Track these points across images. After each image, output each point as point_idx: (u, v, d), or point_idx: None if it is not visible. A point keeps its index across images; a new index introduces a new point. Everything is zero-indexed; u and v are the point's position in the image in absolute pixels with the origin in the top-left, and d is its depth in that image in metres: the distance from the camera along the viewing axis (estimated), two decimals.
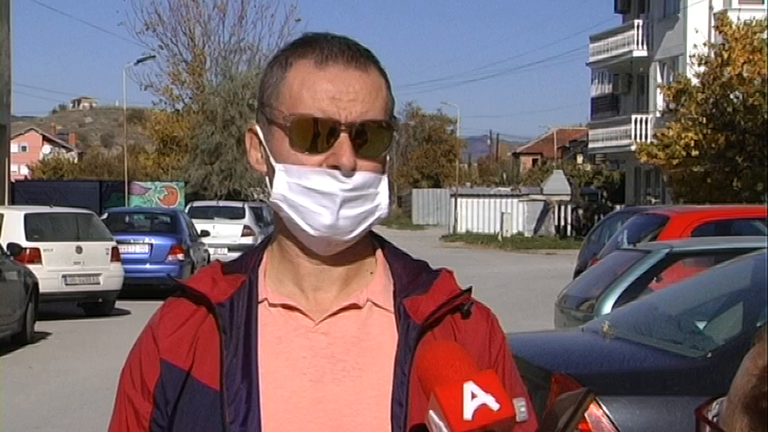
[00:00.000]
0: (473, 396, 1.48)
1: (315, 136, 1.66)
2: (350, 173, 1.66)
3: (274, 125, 1.70)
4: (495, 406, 1.48)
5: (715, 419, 1.40)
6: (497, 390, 1.50)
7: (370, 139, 1.68)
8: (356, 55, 1.70)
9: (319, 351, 1.71)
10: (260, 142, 1.74)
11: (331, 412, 1.68)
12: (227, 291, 1.74)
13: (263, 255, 1.79)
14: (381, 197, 1.71)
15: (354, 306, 1.74)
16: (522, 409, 1.61)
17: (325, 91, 1.67)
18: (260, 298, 1.75)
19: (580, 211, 46.81)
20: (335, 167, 1.66)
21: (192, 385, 1.71)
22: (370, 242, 1.78)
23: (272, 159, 1.71)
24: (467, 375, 1.50)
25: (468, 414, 1.47)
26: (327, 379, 1.70)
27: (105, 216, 23.74)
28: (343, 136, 1.65)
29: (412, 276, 1.77)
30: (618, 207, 36.44)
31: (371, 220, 1.71)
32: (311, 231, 1.68)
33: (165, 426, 1.73)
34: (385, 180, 1.71)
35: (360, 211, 1.68)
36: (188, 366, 1.72)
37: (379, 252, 1.80)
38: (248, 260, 1.79)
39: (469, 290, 1.78)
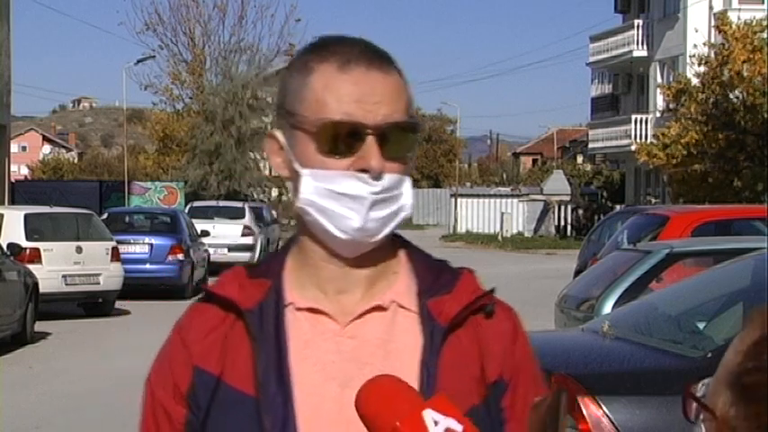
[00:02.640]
0: (435, 423, 1.46)
1: (341, 140, 1.66)
2: (378, 176, 1.66)
3: (298, 130, 1.69)
4: (458, 428, 1.46)
5: (702, 399, 1.44)
6: (454, 412, 1.48)
7: (395, 140, 1.68)
8: (377, 57, 1.70)
9: (346, 355, 1.71)
10: (281, 147, 1.74)
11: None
12: (255, 296, 1.74)
13: (286, 258, 1.79)
14: (405, 198, 1.71)
15: (379, 308, 1.74)
16: None
17: (350, 94, 1.66)
18: (286, 302, 1.75)
19: (580, 211, 46.80)
20: (363, 171, 1.66)
21: (225, 391, 1.71)
22: (392, 242, 1.78)
23: (296, 165, 1.70)
24: (421, 404, 1.48)
25: None
26: (355, 383, 1.68)
27: (105, 216, 23.72)
28: (370, 139, 1.65)
29: (434, 276, 1.77)
30: (618, 207, 36.43)
31: (397, 220, 1.71)
32: (340, 235, 1.68)
33: (198, 431, 1.73)
34: (408, 181, 1.72)
35: (387, 213, 1.69)
36: (218, 372, 1.72)
37: (401, 252, 1.80)
38: (273, 264, 1.79)
39: (492, 290, 1.79)
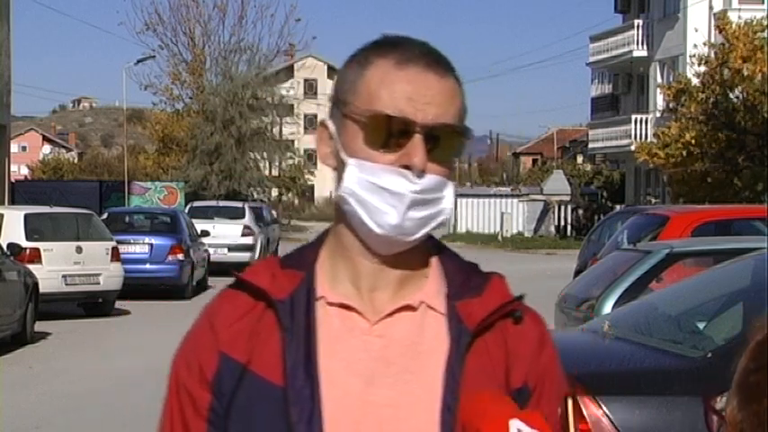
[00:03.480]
0: (519, 431, 1.51)
1: (389, 134, 1.67)
2: (420, 174, 1.66)
3: (349, 120, 1.71)
4: None
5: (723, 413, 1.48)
6: (542, 425, 1.53)
7: (442, 142, 1.69)
8: (436, 60, 1.72)
9: (373, 353, 1.72)
10: (330, 137, 1.75)
11: (382, 416, 1.69)
12: (286, 287, 1.75)
13: (319, 250, 1.80)
14: (446, 202, 1.72)
15: (409, 308, 1.75)
16: None
17: (403, 91, 1.68)
18: (318, 296, 1.75)
19: (580, 211, 46.79)
20: (407, 167, 1.66)
21: (251, 380, 1.71)
22: (426, 244, 1.79)
23: (343, 154, 1.72)
24: (512, 414, 1.53)
25: None
26: (380, 382, 1.71)
27: (105, 216, 23.72)
28: (417, 137, 1.66)
29: (463, 279, 1.78)
30: (618, 207, 36.43)
31: (434, 223, 1.72)
32: (377, 230, 1.69)
33: (222, 417, 1.73)
34: (451, 185, 1.72)
35: (425, 214, 1.69)
36: (245, 360, 1.73)
37: (434, 254, 1.81)
38: (306, 255, 1.80)
39: (522, 297, 1.80)
